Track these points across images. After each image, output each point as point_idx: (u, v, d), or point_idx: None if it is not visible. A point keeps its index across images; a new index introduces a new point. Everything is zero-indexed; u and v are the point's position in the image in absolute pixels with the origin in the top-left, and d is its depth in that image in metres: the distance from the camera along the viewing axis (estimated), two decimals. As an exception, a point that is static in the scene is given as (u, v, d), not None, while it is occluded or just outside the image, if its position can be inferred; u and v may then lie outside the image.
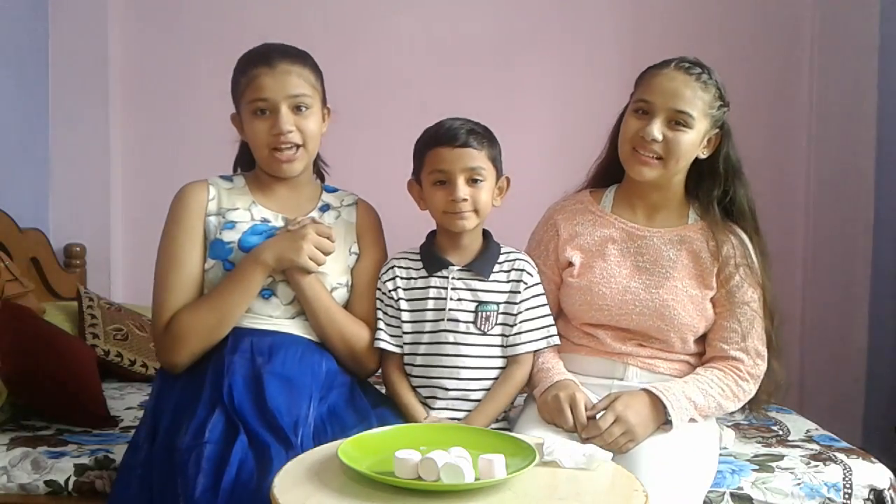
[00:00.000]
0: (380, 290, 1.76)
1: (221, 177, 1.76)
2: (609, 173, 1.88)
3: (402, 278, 1.75)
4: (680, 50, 1.80)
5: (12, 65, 2.87)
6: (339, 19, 3.24)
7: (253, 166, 1.78)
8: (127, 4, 3.22)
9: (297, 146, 1.66)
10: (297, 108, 1.65)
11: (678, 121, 1.69)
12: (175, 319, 1.62)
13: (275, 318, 1.66)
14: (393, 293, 1.74)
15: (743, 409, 1.85)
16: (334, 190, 1.83)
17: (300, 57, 1.69)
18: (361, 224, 1.79)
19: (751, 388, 1.76)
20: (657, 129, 1.69)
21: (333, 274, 1.70)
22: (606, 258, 1.79)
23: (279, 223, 1.70)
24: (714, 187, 1.78)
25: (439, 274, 1.73)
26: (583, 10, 3.25)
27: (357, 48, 3.22)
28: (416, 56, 3.24)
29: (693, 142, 1.71)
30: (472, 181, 1.68)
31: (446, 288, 1.71)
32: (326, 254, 1.62)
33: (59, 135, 3.13)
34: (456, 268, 1.73)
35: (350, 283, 1.74)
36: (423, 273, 1.74)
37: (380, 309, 1.75)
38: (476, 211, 1.69)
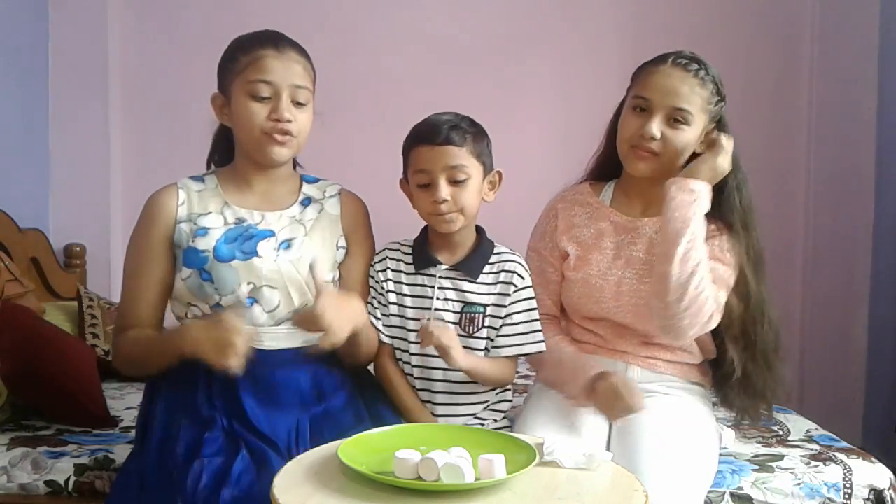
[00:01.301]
0: (372, 277, 1.73)
1: (192, 178, 1.69)
2: (607, 168, 1.88)
3: (392, 270, 1.73)
4: (680, 48, 1.79)
5: (12, 65, 2.87)
6: (339, 18, 3.25)
7: (226, 161, 1.72)
8: (127, 4, 3.23)
9: (289, 134, 1.60)
10: (295, 100, 1.60)
11: (677, 118, 1.69)
12: (121, 338, 1.63)
13: (258, 327, 1.60)
14: (384, 284, 1.72)
15: (742, 415, 1.85)
16: (315, 180, 1.76)
17: (305, 52, 1.66)
18: (348, 217, 1.73)
19: (703, 297, 1.64)
20: (656, 127, 1.69)
21: (321, 272, 1.62)
22: (602, 251, 1.79)
23: (255, 219, 1.65)
24: None
25: (426, 271, 1.71)
26: (583, 9, 3.26)
27: (357, 47, 3.23)
28: (416, 55, 3.24)
29: (692, 138, 1.71)
30: (455, 181, 1.64)
31: (433, 287, 1.70)
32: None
33: (59, 135, 3.13)
34: (444, 267, 1.71)
35: (338, 279, 1.70)
36: (412, 269, 1.72)
37: (373, 297, 1.73)
38: (461, 211, 1.65)
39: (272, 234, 1.64)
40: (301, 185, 1.73)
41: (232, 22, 3.15)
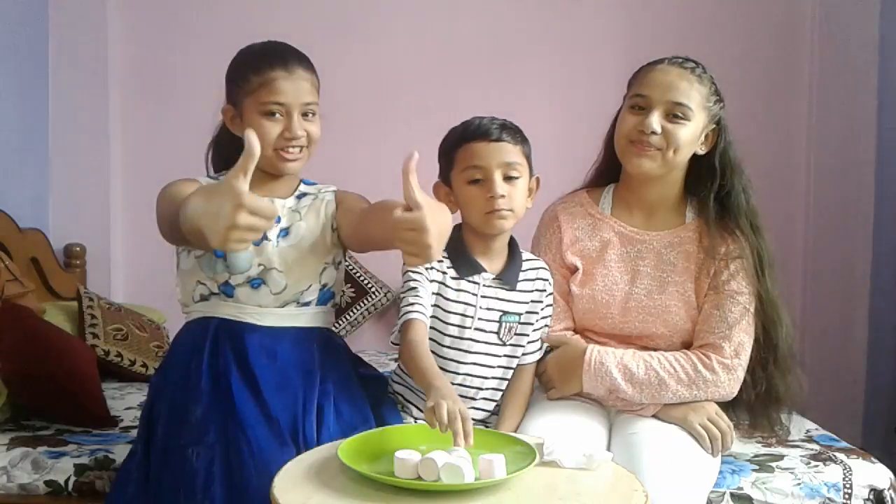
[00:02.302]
0: (417, 271, 1.64)
1: (209, 177, 1.74)
2: (605, 178, 1.87)
3: (437, 271, 1.65)
4: (680, 50, 1.80)
5: (12, 65, 2.87)
6: (339, 19, 3.25)
7: (225, 167, 1.75)
8: (127, 4, 3.23)
9: (302, 147, 1.66)
10: (304, 114, 1.65)
11: (676, 113, 1.69)
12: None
13: (264, 308, 1.64)
14: (432, 284, 1.64)
15: (752, 426, 1.84)
16: (314, 184, 1.80)
17: (310, 63, 1.70)
18: (340, 198, 1.74)
19: (716, 380, 1.68)
20: (656, 122, 1.68)
21: (317, 257, 1.66)
22: (607, 265, 1.78)
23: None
24: (711, 183, 1.76)
25: (471, 279, 1.66)
26: (582, 11, 3.26)
27: (357, 48, 3.23)
28: (416, 56, 3.24)
29: (692, 135, 1.70)
30: (509, 178, 1.62)
31: (476, 295, 1.66)
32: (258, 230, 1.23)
33: (59, 135, 3.13)
34: (490, 276, 1.67)
35: (339, 260, 1.71)
36: (453, 274, 1.66)
37: (420, 284, 1.61)
38: (512, 210, 1.62)
39: (278, 219, 1.68)
40: (299, 185, 1.76)
41: (232, 22, 3.19)
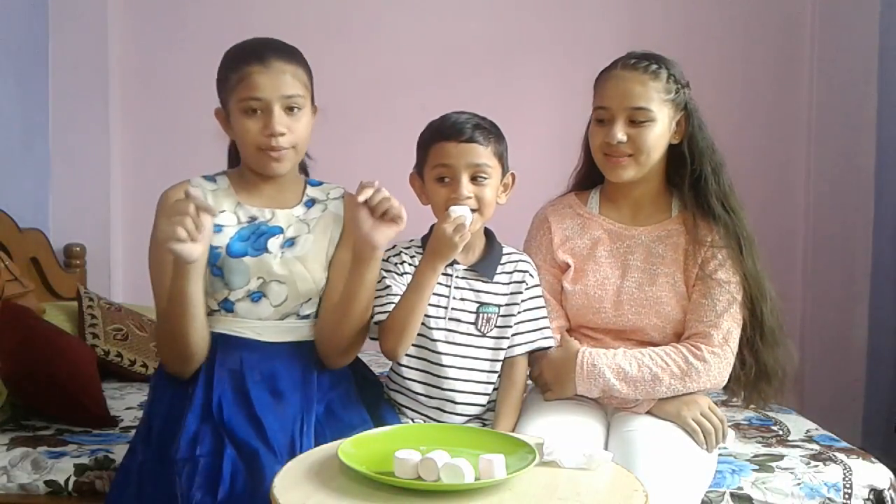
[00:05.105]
0: (389, 269, 1.68)
1: (204, 177, 1.70)
2: (588, 180, 1.90)
3: (408, 264, 1.70)
4: (679, 50, 1.80)
5: (12, 65, 2.87)
6: (339, 19, 3.25)
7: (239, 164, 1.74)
8: (127, 4, 3.23)
9: (288, 146, 1.61)
10: (289, 109, 1.60)
11: (638, 118, 1.71)
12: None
13: (265, 321, 1.62)
14: (403, 277, 1.68)
15: (746, 401, 1.84)
16: (319, 184, 1.77)
17: (293, 55, 1.65)
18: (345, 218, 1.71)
19: (707, 370, 1.69)
20: (620, 132, 1.71)
21: (320, 272, 1.65)
22: (598, 261, 1.80)
23: (266, 217, 1.66)
24: (684, 171, 1.78)
25: (443, 270, 1.67)
26: (582, 10, 3.26)
27: (356, 48, 3.23)
28: (416, 56, 3.25)
29: (660, 133, 1.72)
30: (476, 179, 1.64)
31: (449, 286, 1.69)
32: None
33: (59, 135, 3.13)
34: (461, 267, 1.71)
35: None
36: None
37: (392, 284, 1.66)
38: (480, 210, 1.65)
39: (281, 231, 1.66)
40: (305, 188, 1.74)
41: (232, 22, 3.19)
